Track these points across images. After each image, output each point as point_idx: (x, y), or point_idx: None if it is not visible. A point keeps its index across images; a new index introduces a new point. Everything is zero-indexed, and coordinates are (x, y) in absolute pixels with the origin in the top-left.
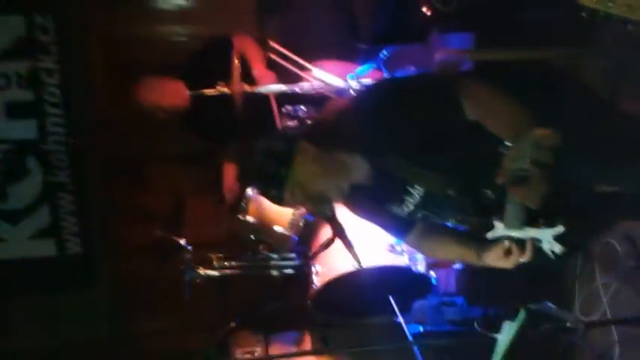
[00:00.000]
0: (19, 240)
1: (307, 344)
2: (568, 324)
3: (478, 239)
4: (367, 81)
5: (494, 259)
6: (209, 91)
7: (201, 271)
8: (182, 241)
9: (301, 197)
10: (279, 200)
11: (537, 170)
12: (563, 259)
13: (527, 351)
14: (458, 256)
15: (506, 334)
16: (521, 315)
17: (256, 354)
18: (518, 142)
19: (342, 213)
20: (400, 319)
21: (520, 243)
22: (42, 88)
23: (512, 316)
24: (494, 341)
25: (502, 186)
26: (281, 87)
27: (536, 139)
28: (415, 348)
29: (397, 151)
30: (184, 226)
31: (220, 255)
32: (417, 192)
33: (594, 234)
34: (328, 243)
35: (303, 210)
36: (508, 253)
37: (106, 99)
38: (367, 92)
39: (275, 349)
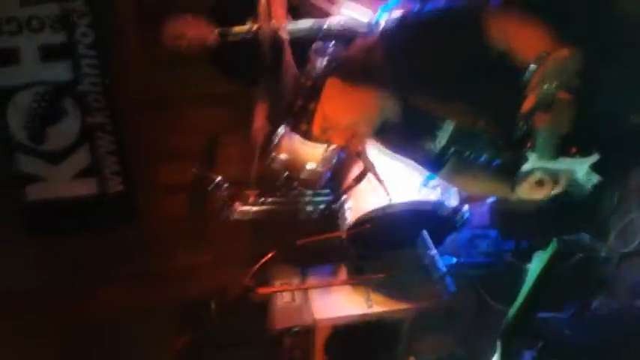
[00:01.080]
0: (61, 179)
1: (343, 276)
2: (602, 254)
3: (511, 172)
4: (396, 14)
5: (527, 191)
6: (237, 29)
7: (238, 208)
8: (218, 179)
9: (331, 132)
10: (309, 135)
11: (563, 93)
12: (598, 190)
13: (560, 281)
14: (491, 190)
15: (537, 264)
16: (553, 245)
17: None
18: (542, 63)
19: (373, 147)
20: (433, 251)
21: (553, 174)
22: (74, 29)
23: (543, 247)
24: (526, 272)
25: (533, 116)
26: (310, 22)
27: (559, 59)
28: (448, 278)
29: (426, 85)
30: (219, 164)
31: (255, 192)
32: (447, 126)
33: (631, 165)
34: (360, 177)
35: (334, 146)
36: (540, 184)
37: (138, 40)
38: (396, 26)
39: (311, 281)
